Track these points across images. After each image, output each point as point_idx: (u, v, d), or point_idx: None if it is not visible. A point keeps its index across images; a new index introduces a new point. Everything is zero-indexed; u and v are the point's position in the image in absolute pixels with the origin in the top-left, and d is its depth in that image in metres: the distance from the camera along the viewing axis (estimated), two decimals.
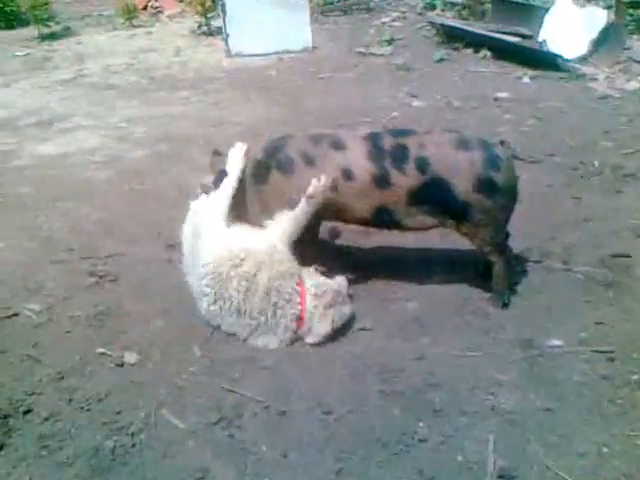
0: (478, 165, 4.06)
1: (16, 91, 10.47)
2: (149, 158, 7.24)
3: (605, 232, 5.25)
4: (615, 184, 6.06)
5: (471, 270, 4.78)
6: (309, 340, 4.07)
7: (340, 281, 4.26)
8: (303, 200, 4.19)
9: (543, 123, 7.77)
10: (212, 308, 4.13)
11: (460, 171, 4.07)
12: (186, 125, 8.30)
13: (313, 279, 4.18)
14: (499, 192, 4.10)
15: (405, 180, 4.12)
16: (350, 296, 4.31)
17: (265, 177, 4.40)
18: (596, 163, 6.45)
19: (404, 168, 4.11)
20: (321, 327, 4.06)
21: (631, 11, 11.58)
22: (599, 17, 10.42)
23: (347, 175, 4.21)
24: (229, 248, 4.10)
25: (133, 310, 4.53)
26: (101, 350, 4.11)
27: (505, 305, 4.40)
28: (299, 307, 4.04)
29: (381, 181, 4.15)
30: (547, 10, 11.32)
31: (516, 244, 5.00)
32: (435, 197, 4.14)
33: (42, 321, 4.44)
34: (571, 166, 6.43)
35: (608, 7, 11.33)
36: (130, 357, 4.04)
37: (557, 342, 4.00)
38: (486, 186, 4.07)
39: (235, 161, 4.50)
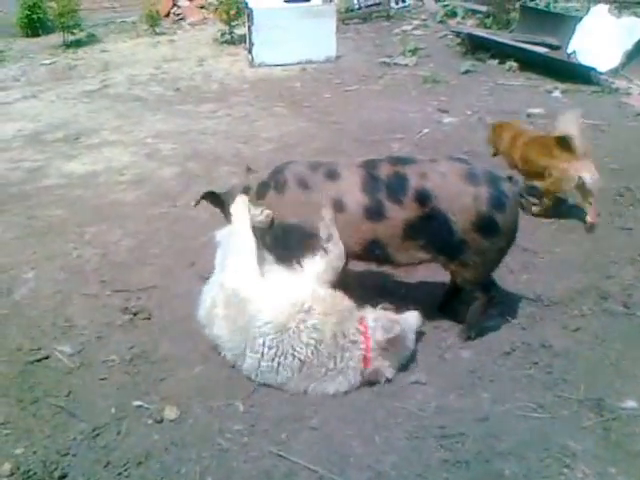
0: (481, 203, 3.71)
1: (43, 102, 10.06)
2: (179, 178, 6.84)
3: None
4: None
5: (525, 312, 4.39)
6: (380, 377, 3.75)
7: (409, 317, 3.98)
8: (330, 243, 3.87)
9: None
10: (266, 364, 3.72)
11: (462, 206, 3.72)
12: (214, 141, 7.90)
13: (374, 315, 3.83)
14: (499, 234, 3.79)
15: (402, 212, 3.80)
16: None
17: (263, 194, 4.19)
18: None
19: (401, 200, 3.79)
20: (387, 364, 3.75)
21: None
22: (636, 28, 9.88)
23: (339, 206, 3.92)
24: (291, 301, 3.71)
25: (170, 354, 4.16)
26: (138, 403, 3.74)
27: (469, 338, 4.14)
28: (363, 346, 3.67)
29: (374, 214, 3.84)
30: (579, 20, 10.81)
31: (571, 282, 4.70)
32: (433, 230, 3.79)
33: (75, 366, 4.08)
34: (617, 192, 6.02)
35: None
36: (170, 412, 3.66)
37: (632, 404, 3.58)
38: (486, 226, 3.74)
39: (241, 213, 4.13)
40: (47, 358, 4.14)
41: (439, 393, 3.72)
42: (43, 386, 3.90)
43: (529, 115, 8.23)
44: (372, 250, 3.97)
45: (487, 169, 3.93)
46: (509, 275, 4.82)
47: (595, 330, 4.20)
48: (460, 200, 3.72)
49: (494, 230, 3.75)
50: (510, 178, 3.95)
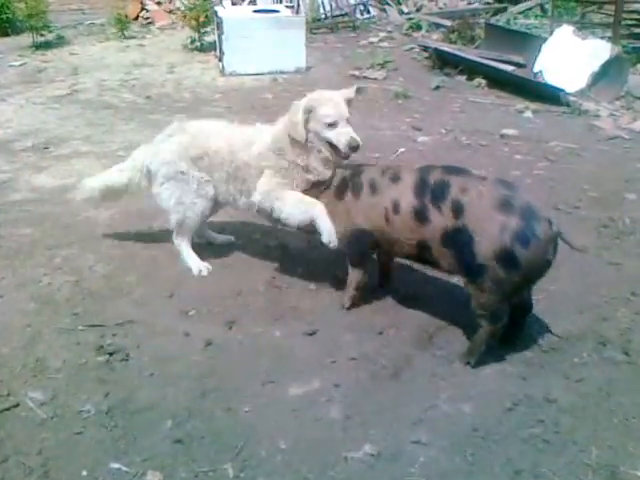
0: (507, 234, 3.54)
1: (11, 107, 9.44)
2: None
3: None
4: None
5: (524, 359, 4.00)
6: None
7: None
8: None
9: (556, 167, 6.97)
10: None
11: (488, 232, 3.60)
12: None
13: None
14: (517, 269, 3.58)
15: (441, 219, 3.79)
16: None
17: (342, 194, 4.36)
18: (627, 220, 5.66)
19: (441, 207, 3.78)
20: None
21: (624, 42, 10.86)
22: (602, 50, 9.56)
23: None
24: None
25: (150, 403, 3.67)
26: (116, 465, 3.25)
27: (469, 364, 3.92)
28: None
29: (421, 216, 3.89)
30: (544, 40, 10.47)
31: (568, 325, 4.33)
32: (461, 245, 3.70)
33: (47, 416, 3.57)
34: (600, 222, 5.65)
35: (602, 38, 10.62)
36: (152, 478, 3.17)
37: None
38: (506, 258, 3.56)
39: None
40: (17, 406, 3.63)
41: (443, 456, 3.29)
42: (13, 440, 3.40)
43: (503, 136, 7.85)
44: (421, 251, 4.01)
45: (530, 203, 3.65)
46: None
47: (599, 381, 3.80)
48: (487, 225, 3.61)
49: (513, 264, 3.56)
50: (550, 221, 3.62)
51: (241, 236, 5.50)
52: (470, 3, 16.62)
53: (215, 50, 11.83)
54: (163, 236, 5.44)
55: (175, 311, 4.48)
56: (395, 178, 4.09)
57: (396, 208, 4.00)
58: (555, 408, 3.61)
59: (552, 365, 3.95)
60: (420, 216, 3.87)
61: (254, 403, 3.65)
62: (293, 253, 5.22)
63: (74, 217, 5.87)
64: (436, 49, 11.28)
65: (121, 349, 4.10)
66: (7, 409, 3.61)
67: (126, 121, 8.70)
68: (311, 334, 4.25)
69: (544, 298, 4.58)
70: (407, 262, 4.67)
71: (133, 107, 9.42)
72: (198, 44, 12.83)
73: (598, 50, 9.61)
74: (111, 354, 4.05)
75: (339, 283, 4.70)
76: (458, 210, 3.70)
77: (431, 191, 3.84)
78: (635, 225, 5.59)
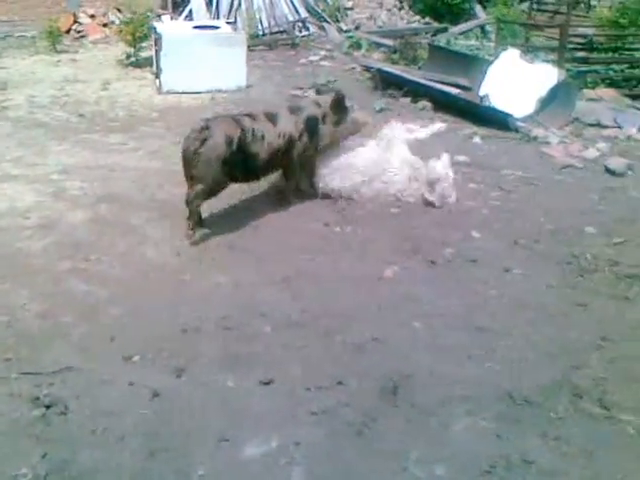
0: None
1: None
2: (91, 225, 5.88)
3: (633, 358, 4.29)
4: (618, 287, 5.11)
5: (497, 413, 3.77)
6: None
7: None
8: None
9: (511, 197, 6.79)
10: None
11: None
12: (128, 181, 6.94)
13: None
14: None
15: None
16: None
17: None
18: (589, 256, 5.50)
19: None
20: None
21: (569, 66, 10.88)
22: (550, 75, 9.49)
23: None
24: None
25: (92, 467, 3.35)
26: None
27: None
28: None
29: None
30: (490, 63, 10.36)
31: (539, 374, 4.16)
32: None
33: None
34: (562, 258, 5.48)
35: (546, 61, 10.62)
36: None
37: None
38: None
39: None
40: None
41: None
42: None
43: (454, 163, 7.65)
44: None
45: (221, 125, 5.74)
46: (468, 362, 4.21)
47: (579, 439, 3.56)
48: None
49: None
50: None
51: (189, 271, 5.19)
52: (409, 22, 16.60)
53: (151, 66, 11.46)
54: (101, 270, 5.11)
55: (117, 356, 4.15)
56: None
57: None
58: (535, 470, 3.38)
59: (527, 420, 3.72)
60: None
61: (208, 465, 3.35)
62: (245, 290, 4.92)
63: (5, 248, 5.46)
64: (380, 70, 11.09)
65: (59, 401, 3.75)
66: None
67: (59, 141, 8.25)
68: (267, 383, 3.96)
69: (511, 344, 4.38)
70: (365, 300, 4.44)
71: (66, 126, 8.96)
72: (134, 59, 12.41)
73: (545, 74, 9.54)
74: (48, 407, 3.70)
75: (296, 324, 4.43)
76: None
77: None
78: (597, 262, 5.42)
